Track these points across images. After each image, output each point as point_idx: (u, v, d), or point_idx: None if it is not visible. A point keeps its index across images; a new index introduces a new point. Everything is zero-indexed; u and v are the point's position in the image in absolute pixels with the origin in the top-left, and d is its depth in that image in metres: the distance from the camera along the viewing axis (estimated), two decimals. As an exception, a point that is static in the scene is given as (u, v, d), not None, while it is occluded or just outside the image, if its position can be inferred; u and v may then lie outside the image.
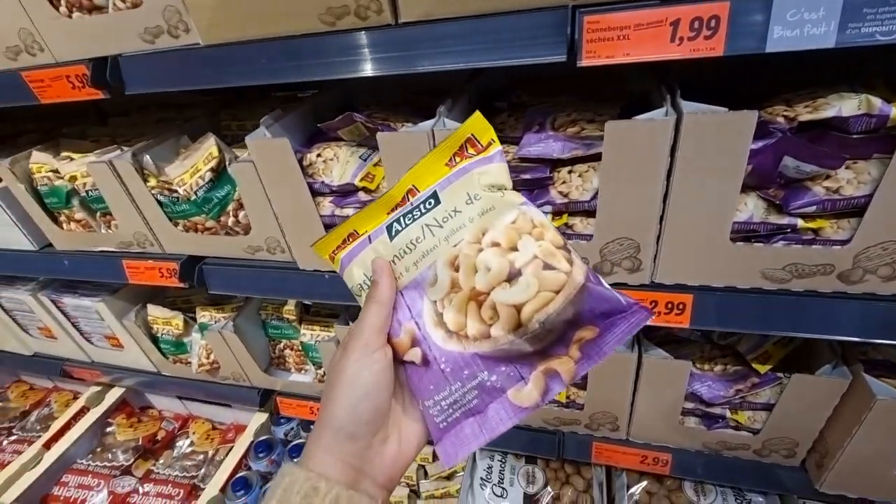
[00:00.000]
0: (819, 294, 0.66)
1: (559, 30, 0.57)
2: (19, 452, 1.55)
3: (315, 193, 0.80)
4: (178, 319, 1.25)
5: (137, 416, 1.69)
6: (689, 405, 0.91)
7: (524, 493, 1.09)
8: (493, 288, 0.37)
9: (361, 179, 0.76)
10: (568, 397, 1.00)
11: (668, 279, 0.71)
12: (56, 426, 1.56)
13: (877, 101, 0.54)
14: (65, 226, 1.05)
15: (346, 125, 0.77)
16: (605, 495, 1.09)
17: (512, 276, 0.37)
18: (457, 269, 0.39)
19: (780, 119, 0.59)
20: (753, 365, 0.85)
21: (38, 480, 1.42)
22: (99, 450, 1.57)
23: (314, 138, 0.89)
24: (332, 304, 1.20)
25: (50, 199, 1.00)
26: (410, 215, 0.42)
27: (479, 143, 0.44)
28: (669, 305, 0.73)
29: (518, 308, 0.36)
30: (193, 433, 1.65)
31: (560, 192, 0.69)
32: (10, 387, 1.94)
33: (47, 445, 1.51)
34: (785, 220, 0.62)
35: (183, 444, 1.62)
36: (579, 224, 0.71)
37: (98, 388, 1.67)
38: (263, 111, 1.09)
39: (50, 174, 0.97)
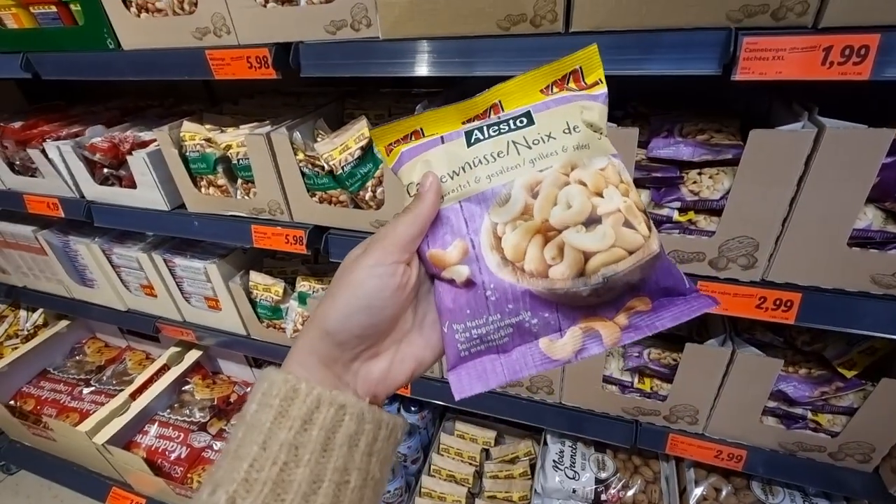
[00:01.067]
0: (924, 301, 0.73)
1: (719, 48, 0.66)
2: (98, 403, 1.67)
3: (456, 176, 0.90)
4: (278, 286, 1.35)
5: (212, 378, 1.80)
6: (772, 404, 0.98)
7: (595, 478, 1.16)
8: (568, 227, 0.35)
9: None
10: (652, 388, 1.07)
11: (779, 278, 0.79)
12: (140, 380, 1.68)
13: None
14: (203, 190, 1.17)
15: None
16: (671, 488, 1.15)
17: (590, 222, 0.35)
18: (534, 196, 0.36)
19: (909, 139, 0.66)
20: (840, 370, 0.92)
21: (127, 426, 1.53)
22: (177, 406, 1.68)
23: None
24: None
25: (197, 165, 1.12)
26: (496, 127, 0.39)
27: (584, 79, 0.40)
28: (777, 302, 0.80)
29: (587, 256, 0.34)
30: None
31: (691, 191, 0.78)
32: (87, 342, 2.07)
33: (133, 396, 1.63)
34: (903, 230, 0.69)
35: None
36: (703, 221, 0.80)
37: (178, 349, 1.79)
38: (385, 102, 1.21)
39: (203, 142, 1.09)
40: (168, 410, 1.67)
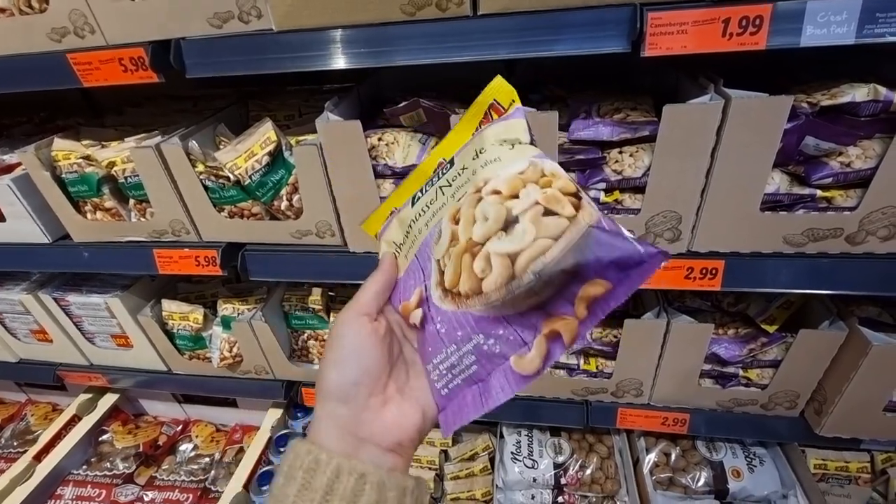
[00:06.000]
0: (828, 255, 0.78)
1: (626, 25, 0.65)
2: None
3: (377, 175, 0.84)
4: (197, 313, 1.22)
5: (134, 422, 1.61)
6: (707, 367, 1.02)
7: (553, 463, 1.16)
8: (489, 238, 0.34)
9: (426, 161, 0.80)
10: (597, 367, 1.08)
11: (703, 247, 0.81)
12: (45, 437, 1.47)
13: (882, 89, 0.66)
14: (89, 215, 1.02)
15: (409, 111, 0.82)
16: (625, 460, 1.18)
17: (508, 225, 0.34)
18: (457, 223, 0.37)
19: (805, 105, 0.70)
20: (763, 326, 0.97)
21: (32, 494, 1.33)
22: (95, 459, 1.49)
23: (365, 125, 0.92)
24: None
25: (77, 188, 0.97)
26: (430, 182, 0.43)
27: (501, 107, 0.42)
28: (704, 271, 0.83)
29: (512, 258, 0.32)
30: (196, 436, 1.60)
31: (614, 170, 0.77)
32: (-24, 402, 1.79)
33: (37, 458, 1.42)
34: (806, 191, 0.73)
35: (186, 449, 1.57)
36: (628, 199, 0.80)
37: (88, 396, 1.59)
38: (294, 102, 1.12)
39: (80, 161, 0.95)
40: (84, 467, 1.47)
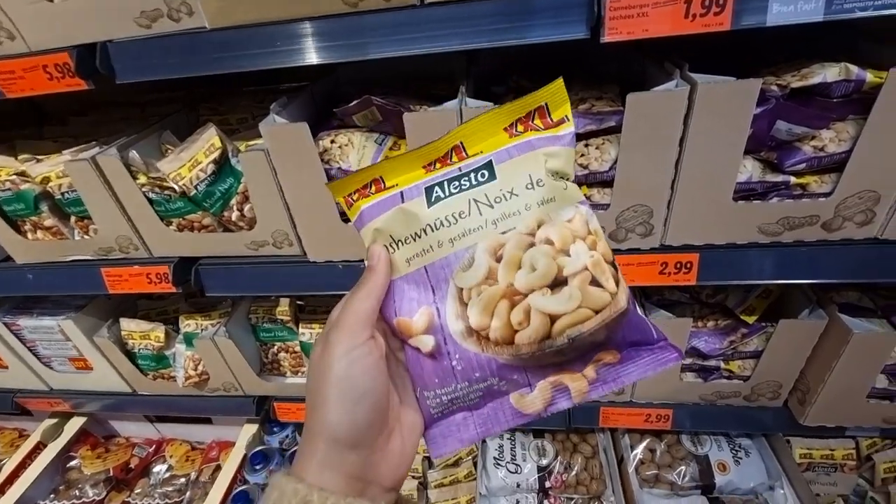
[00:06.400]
0: (805, 243, 0.75)
1: (583, 9, 0.61)
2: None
3: (331, 180, 0.78)
4: (158, 332, 1.16)
5: (104, 445, 1.54)
6: (688, 360, 0.99)
7: (537, 466, 1.13)
8: (533, 290, 0.34)
9: (382, 163, 0.75)
10: (576, 367, 1.04)
11: (676, 241, 0.78)
12: (8, 468, 1.39)
13: (854, 68, 0.63)
14: (30, 235, 0.95)
15: (361, 109, 0.76)
16: (609, 458, 1.15)
17: (556, 284, 0.34)
18: (498, 260, 0.35)
19: (774, 87, 0.66)
20: (742, 317, 0.94)
21: (-5, 529, 1.26)
22: (63, 488, 1.42)
23: (316, 127, 0.87)
24: (328, 301, 1.17)
25: (13, 206, 0.90)
26: (457, 183, 0.37)
27: (549, 116, 0.38)
28: (678, 265, 0.79)
29: (553, 318, 0.33)
30: (170, 456, 1.54)
31: (580, 165, 0.73)
32: (-64, 434, 1.70)
33: (1, 490, 1.35)
34: (780, 178, 0.70)
35: (160, 470, 1.51)
36: (597, 194, 0.76)
37: (54, 421, 1.51)
38: (248, 104, 1.06)
39: (14, 178, 0.88)
40: (52, 496, 1.40)
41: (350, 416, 0.33)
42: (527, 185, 0.36)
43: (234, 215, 0.84)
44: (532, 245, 0.35)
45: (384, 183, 0.38)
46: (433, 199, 0.37)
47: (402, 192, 0.38)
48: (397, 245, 0.37)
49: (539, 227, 0.35)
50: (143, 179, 0.83)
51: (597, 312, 0.33)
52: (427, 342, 0.36)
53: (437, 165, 0.38)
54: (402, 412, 0.38)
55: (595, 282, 0.34)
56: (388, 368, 0.36)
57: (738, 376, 0.99)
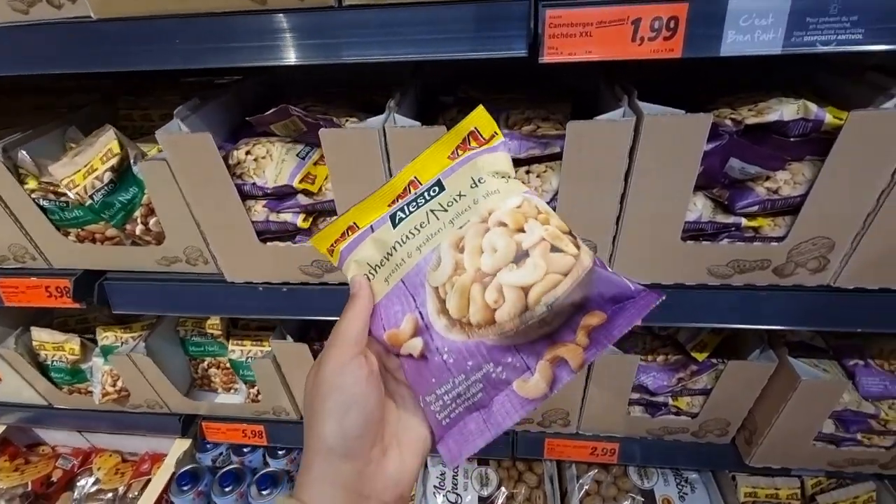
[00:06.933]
0: (755, 287, 0.70)
1: (520, 23, 0.54)
2: None
3: (245, 196, 0.70)
4: (72, 343, 1.06)
5: (24, 456, 1.43)
6: (636, 395, 0.94)
7: (478, 497, 1.08)
8: (500, 269, 0.35)
9: (301, 181, 0.67)
10: (521, 397, 0.99)
11: (622, 278, 0.72)
12: None
13: (813, 107, 0.57)
14: None
15: (280, 119, 0.68)
16: (556, 488, 1.11)
17: (518, 258, 0.35)
18: (461, 251, 0.37)
19: (728, 122, 0.60)
20: (692, 354, 0.90)
21: None
22: (-27, 504, 1.31)
23: (239, 132, 0.78)
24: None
25: None
26: (415, 203, 0.41)
27: (481, 136, 0.42)
28: (623, 304, 0.74)
29: (525, 290, 0.34)
30: (98, 469, 1.44)
31: (519, 194, 0.66)
32: None
33: None
34: (731, 220, 0.64)
35: (86, 483, 1.41)
36: (537, 226, 0.69)
37: (-32, 429, 1.39)
38: (174, 100, 0.96)
39: None
40: (-40, 513, 1.29)
41: (339, 424, 0.34)
42: (471, 185, 0.40)
43: (139, 229, 0.75)
44: (488, 230, 0.37)
45: (357, 226, 0.42)
46: (396, 221, 0.41)
47: (371, 226, 0.42)
48: (375, 270, 0.40)
49: (490, 214, 0.38)
50: (32, 184, 0.73)
51: (565, 275, 0.34)
52: (416, 345, 0.37)
53: (399, 200, 0.42)
54: (402, 430, 0.38)
55: (555, 248, 0.35)
56: (385, 387, 0.38)
57: (686, 413, 0.94)
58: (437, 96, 0.87)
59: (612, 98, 0.66)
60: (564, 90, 0.84)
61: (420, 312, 0.37)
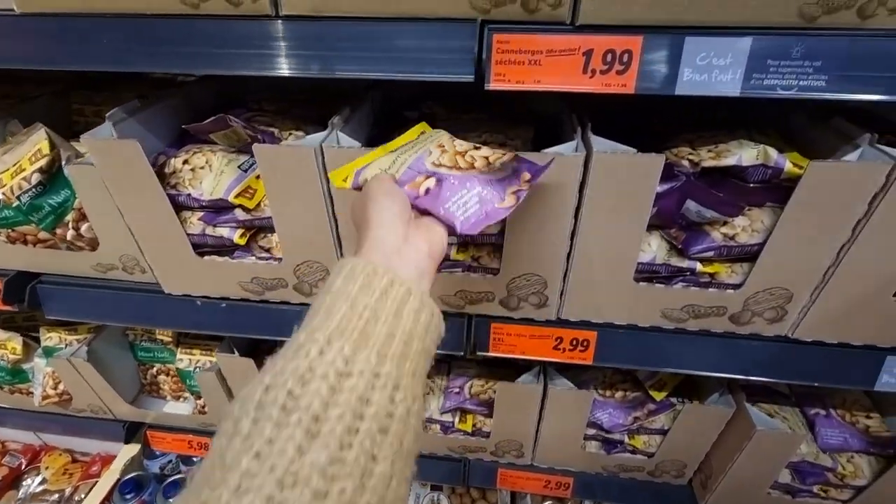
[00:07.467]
0: (711, 334, 0.67)
1: (467, 46, 0.51)
2: None
3: (180, 207, 0.66)
4: (14, 342, 1.02)
5: (-31, 451, 1.39)
6: (592, 431, 0.91)
7: (428, 524, 1.04)
8: (468, 151, 0.53)
9: (238, 195, 0.64)
10: (474, 425, 0.95)
11: (573, 316, 0.69)
12: None
13: (773, 153, 0.54)
14: None
15: (219, 128, 0.64)
16: (509, 518, 1.07)
17: (478, 147, 0.53)
18: (442, 146, 0.53)
19: (685, 162, 0.57)
20: (651, 393, 0.87)
21: None
22: None
23: (187, 138, 0.75)
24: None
25: None
26: (401, 148, 0.55)
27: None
28: (574, 342, 0.70)
29: (486, 158, 0.52)
30: (46, 468, 1.40)
31: (466, 223, 0.63)
32: None
33: None
34: (685, 264, 0.61)
35: (32, 483, 1.37)
36: (486, 257, 0.66)
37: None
38: (130, 97, 0.91)
39: None
40: None
41: (381, 206, 0.43)
42: (420, 134, 0.58)
43: (70, 234, 0.71)
44: (454, 139, 0.56)
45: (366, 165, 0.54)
46: (394, 151, 0.55)
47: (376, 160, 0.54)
48: (386, 171, 0.51)
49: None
50: (-42, 180, 0.69)
51: (505, 153, 0.52)
52: (431, 181, 0.49)
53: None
54: (419, 228, 0.46)
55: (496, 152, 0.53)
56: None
57: (642, 452, 0.91)
58: (402, 111, 0.84)
59: (571, 127, 0.63)
60: (533, 113, 0.81)
61: (427, 172, 0.51)
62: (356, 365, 0.31)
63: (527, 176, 0.50)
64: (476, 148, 0.53)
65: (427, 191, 0.49)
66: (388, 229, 0.41)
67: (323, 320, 0.34)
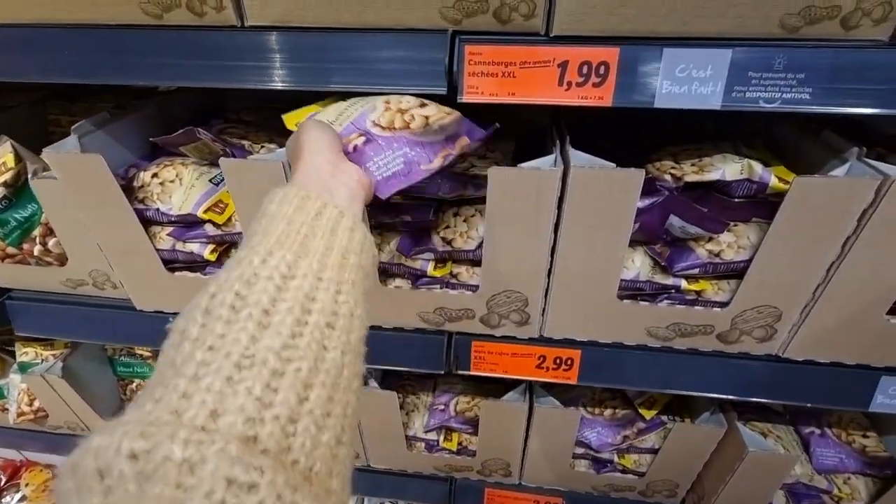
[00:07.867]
0: (699, 353, 0.65)
1: (438, 58, 0.49)
2: None
3: (149, 222, 0.64)
4: (-11, 357, 0.99)
5: (-57, 467, 1.36)
6: (580, 450, 0.88)
7: (413, 545, 1.01)
8: (411, 108, 0.51)
9: (207, 210, 0.62)
10: (460, 444, 0.93)
11: (556, 334, 0.66)
12: None
13: (758, 168, 0.52)
14: None
15: (189, 141, 0.62)
16: (497, 539, 1.04)
17: (423, 105, 0.52)
18: (388, 103, 0.52)
19: (668, 177, 0.55)
20: (640, 410, 0.84)
21: None
22: None
23: (160, 151, 0.73)
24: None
25: None
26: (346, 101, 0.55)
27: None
28: (558, 361, 0.68)
29: (426, 118, 0.50)
30: (27, 485, 1.36)
31: (443, 239, 0.61)
32: None
33: None
34: (670, 281, 0.59)
35: (12, 501, 1.33)
36: (465, 273, 0.64)
37: None
38: (106, 106, 0.90)
39: None
40: None
41: (314, 135, 0.44)
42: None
43: (37, 249, 0.69)
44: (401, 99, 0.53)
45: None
46: (344, 104, 0.54)
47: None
48: (331, 124, 0.50)
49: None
50: (-77, 194, 0.67)
51: (447, 116, 0.51)
52: (361, 139, 0.49)
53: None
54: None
55: (441, 110, 0.52)
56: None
57: (632, 471, 0.88)
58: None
59: (552, 140, 0.61)
60: (519, 123, 0.79)
61: (363, 128, 0.50)
62: (299, 269, 0.33)
63: (465, 141, 0.51)
64: (422, 105, 0.52)
65: (355, 148, 0.50)
66: (321, 155, 0.43)
67: (262, 238, 0.35)
